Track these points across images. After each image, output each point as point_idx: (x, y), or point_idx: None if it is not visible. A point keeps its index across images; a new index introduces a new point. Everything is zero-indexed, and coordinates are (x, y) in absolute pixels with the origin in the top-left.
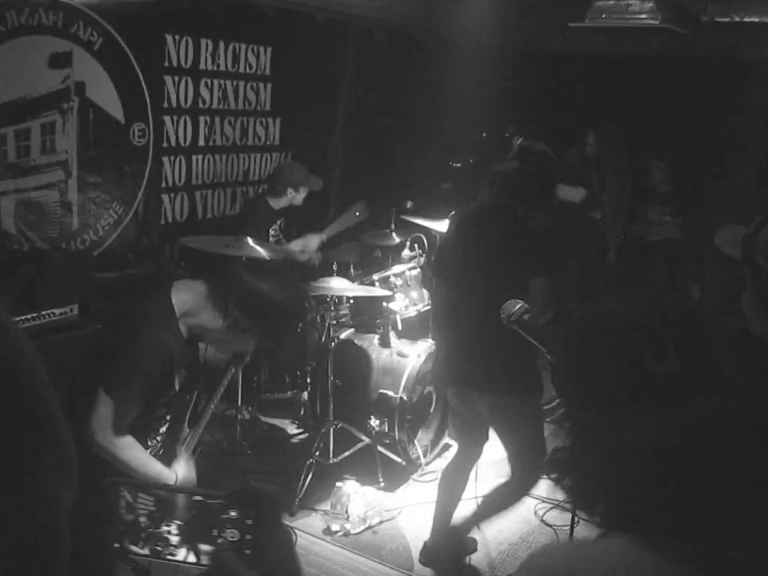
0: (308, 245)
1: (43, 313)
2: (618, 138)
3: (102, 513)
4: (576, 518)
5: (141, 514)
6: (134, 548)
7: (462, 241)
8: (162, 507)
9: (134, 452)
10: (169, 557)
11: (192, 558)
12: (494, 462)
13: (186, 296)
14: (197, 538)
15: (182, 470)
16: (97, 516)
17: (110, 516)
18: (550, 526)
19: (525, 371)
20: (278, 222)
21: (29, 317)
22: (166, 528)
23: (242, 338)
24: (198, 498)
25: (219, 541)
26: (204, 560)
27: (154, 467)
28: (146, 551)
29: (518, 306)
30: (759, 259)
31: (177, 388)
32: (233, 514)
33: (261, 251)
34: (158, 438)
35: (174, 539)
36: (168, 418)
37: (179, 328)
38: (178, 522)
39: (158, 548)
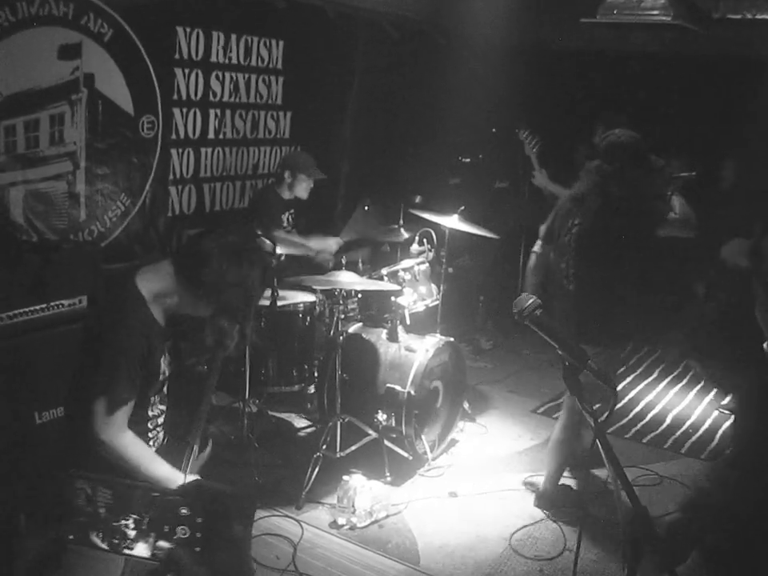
0: (327, 247)
1: (52, 304)
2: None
3: (58, 503)
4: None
5: (99, 506)
6: (92, 539)
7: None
8: (119, 500)
9: (139, 450)
10: (125, 550)
11: (146, 554)
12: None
13: (152, 280)
14: (151, 533)
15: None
16: (51, 505)
17: (67, 506)
18: (554, 521)
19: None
20: (288, 213)
21: (38, 308)
22: (123, 522)
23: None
24: (155, 494)
25: (173, 537)
26: (156, 556)
27: (161, 467)
28: (104, 544)
29: (530, 301)
30: (766, 266)
31: (166, 372)
32: (184, 511)
33: (268, 243)
34: (158, 430)
35: (131, 533)
36: (163, 408)
37: (151, 313)
38: (135, 516)
39: (116, 540)
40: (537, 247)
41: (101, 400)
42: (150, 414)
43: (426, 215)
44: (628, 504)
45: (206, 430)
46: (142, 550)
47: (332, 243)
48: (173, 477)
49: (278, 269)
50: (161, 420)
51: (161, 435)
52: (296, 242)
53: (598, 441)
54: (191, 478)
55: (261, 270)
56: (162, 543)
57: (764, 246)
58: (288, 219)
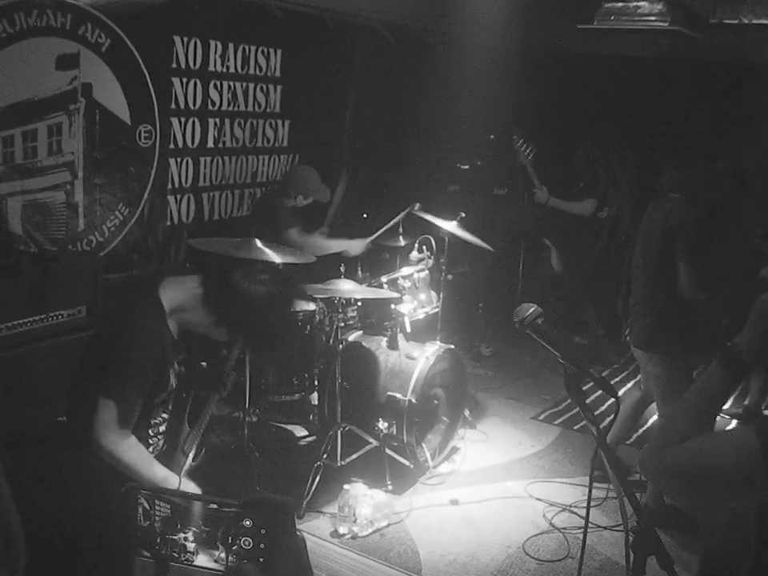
0: (351, 249)
1: (51, 315)
2: (615, 139)
3: (120, 518)
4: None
5: (157, 521)
6: (150, 552)
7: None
8: (178, 514)
9: (137, 453)
10: (185, 563)
11: (211, 565)
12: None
13: (175, 293)
14: (212, 545)
15: (187, 488)
16: (113, 521)
17: (127, 521)
18: (559, 529)
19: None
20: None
21: (37, 318)
22: (182, 535)
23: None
24: (214, 506)
25: (234, 548)
26: (225, 568)
27: (159, 470)
28: (163, 556)
29: (531, 310)
30: None
31: (173, 384)
32: (247, 523)
33: (269, 253)
34: (159, 437)
35: (191, 545)
36: (166, 416)
37: (168, 324)
38: (194, 529)
39: (175, 554)
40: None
41: (108, 404)
42: (153, 421)
43: (428, 217)
44: (631, 511)
45: (201, 441)
46: (203, 561)
47: (358, 245)
48: (170, 480)
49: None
50: (162, 428)
51: (161, 443)
52: (323, 245)
53: (600, 448)
54: (188, 482)
55: (286, 305)
56: (224, 555)
57: None
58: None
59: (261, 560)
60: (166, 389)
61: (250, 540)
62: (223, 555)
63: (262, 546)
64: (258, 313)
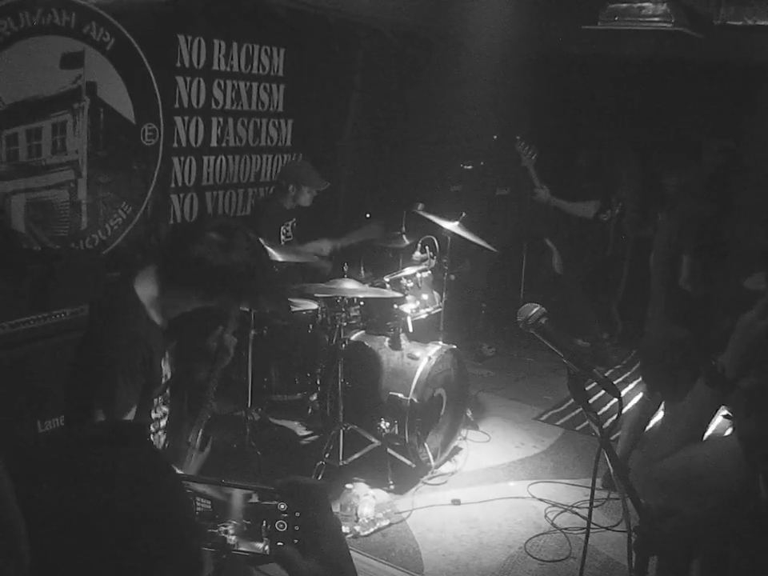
0: (322, 250)
1: (54, 313)
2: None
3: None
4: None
5: (198, 516)
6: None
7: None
8: (217, 508)
9: None
10: (233, 551)
11: (252, 550)
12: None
13: (147, 282)
14: (254, 537)
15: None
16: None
17: (186, 511)
18: (560, 529)
19: None
20: (290, 222)
21: (40, 317)
22: (223, 528)
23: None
24: (255, 500)
25: (271, 533)
26: (264, 551)
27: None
28: (209, 547)
29: (534, 310)
30: None
31: (168, 375)
32: (282, 506)
33: (271, 252)
34: (160, 433)
35: (232, 539)
36: (166, 410)
37: (151, 317)
38: (235, 522)
39: (219, 544)
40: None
41: (99, 413)
42: (153, 416)
43: (431, 217)
44: (633, 511)
45: (206, 430)
46: (245, 548)
47: (327, 246)
48: None
49: (279, 277)
50: (163, 423)
51: (162, 438)
52: (297, 250)
53: (603, 449)
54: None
55: (249, 255)
56: (262, 544)
57: None
58: (291, 227)
59: (295, 541)
60: (160, 381)
61: (285, 523)
62: (265, 547)
63: (296, 528)
64: (221, 266)
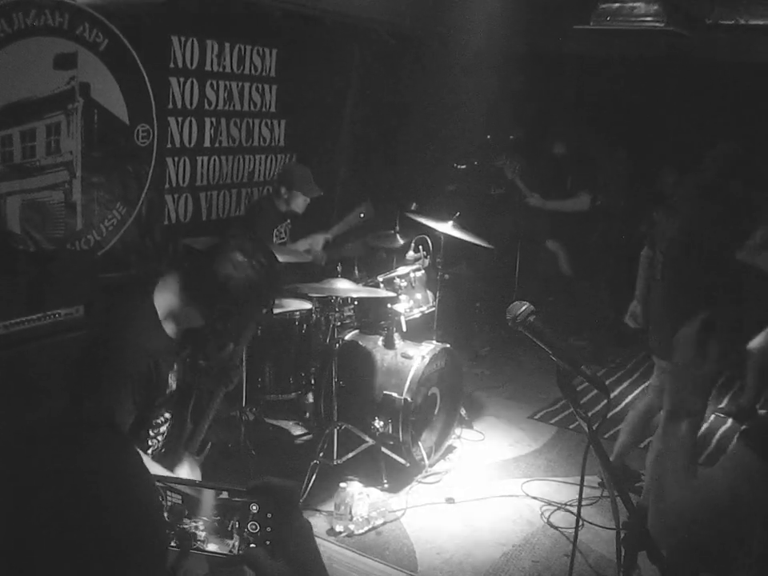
0: (313, 244)
1: (49, 313)
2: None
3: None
4: (581, 522)
5: (168, 510)
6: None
7: None
8: (188, 504)
9: None
10: (198, 550)
11: (220, 550)
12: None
13: (166, 294)
14: (224, 534)
15: (185, 475)
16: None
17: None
18: (555, 527)
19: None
20: (284, 225)
21: (35, 317)
22: (193, 524)
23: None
24: (224, 496)
25: (243, 534)
26: (232, 552)
27: (156, 471)
28: (174, 545)
29: (523, 308)
30: None
31: (173, 386)
32: (254, 508)
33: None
34: (159, 438)
35: (201, 534)
36: (168, 416)
37: (163, 328)
38: (204, 519)
39: (186, 542)
40: (644, 251)
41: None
42: (155, 421)
43: (423, 220)
44: (623, 510)
45: (205, 436)
46: (214, 548)
47: (319, 240)
48: None
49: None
50: (163, 428)
51: (161, 443)
52: (290, 250)
53: (592, 446)
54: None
55: (267, 273)
56: (232, 541)
57: None
58: (285, 230)
59: (267, 543)
60: (164, 392)
61: (257, 524)
62: (236, 543)
63: (268, 529)
64: (241, 295)
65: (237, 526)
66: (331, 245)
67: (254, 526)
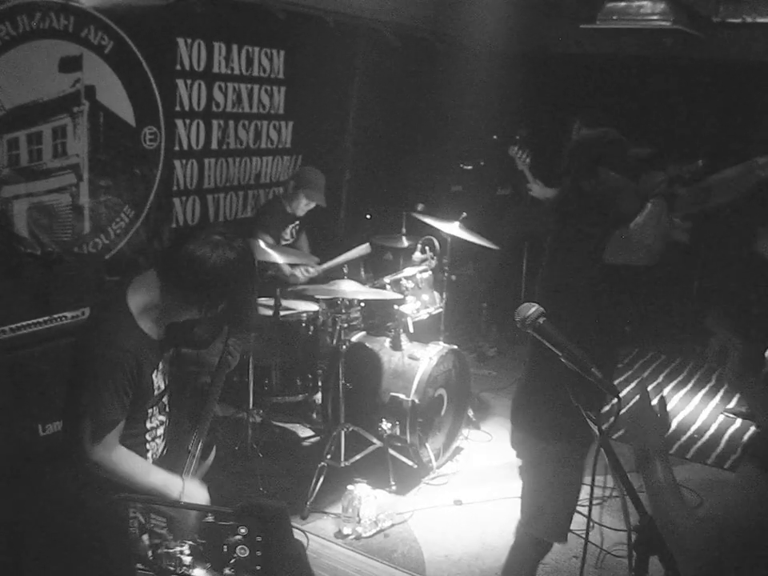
0: (304, 273)
1: (55, 316)
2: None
3: (112, 532)
4: (591, 523)
5: (152, 534)
6: (147, 566)
7: None
8: (173, 527)
9: (131, 463)
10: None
11: None
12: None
13: (141, 291)
14: (209, 557)
15: (190, 489)
16: (107, 535)
17: (119, 535)
18: None
19: None
20: (292, 226)
21: (41, 320)
22: (178, 548)
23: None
24: (210, 519)
25: (231, 560)
26: None
27: (157, 476)
28: (160, 569)
29: (532, 310)
30: None
31: (162, 386)
32: (242, 531)
33: (272, 254)
34: (158, 441)
35: (187, 559)
36: (163, 419)
37: (140, 328)
38: (190, 542)
39: (171, 567)
40: None
41: (87, 423)
42: (149, 425)
43: (429, 220)
44: (633, 511)
45: (209, 437)
46: (200, 574)
47: (312, 267)
48: (170, 484)
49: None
50: (160, 431)
51: (161, 446)
52: (294, 252)
53: (602, 447)
54: (192, 483)
55: (246, 264)
56: (222, 566)
57: None
58: (293, 231)
59: (258, 568)
60: (151, 394)
61: (246, 549)
62: (220, 566)
63: (258, 553)
64: (223, 276)
65: (224, 549)
66: (321, 275)
67: (243, 551)
